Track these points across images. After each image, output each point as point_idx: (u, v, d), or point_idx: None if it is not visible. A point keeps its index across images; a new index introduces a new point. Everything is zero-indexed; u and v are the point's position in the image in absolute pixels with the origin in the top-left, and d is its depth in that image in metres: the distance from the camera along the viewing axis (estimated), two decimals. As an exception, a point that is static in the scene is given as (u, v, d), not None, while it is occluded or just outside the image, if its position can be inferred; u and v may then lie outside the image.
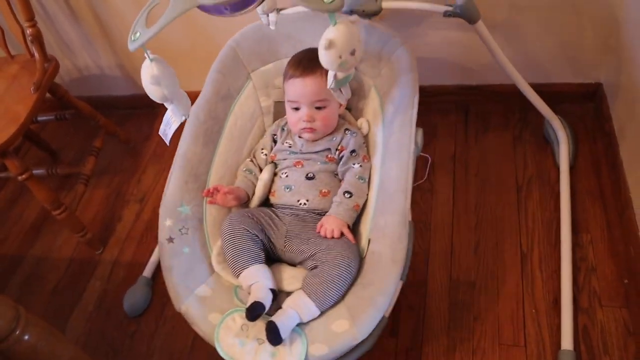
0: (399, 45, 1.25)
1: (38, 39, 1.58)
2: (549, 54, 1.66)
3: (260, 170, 1.30)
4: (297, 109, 1.26)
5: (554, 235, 1.46)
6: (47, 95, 1.67)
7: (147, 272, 1.62)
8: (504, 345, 1.30)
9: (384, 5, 1.42)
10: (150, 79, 0.95)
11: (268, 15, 1.26)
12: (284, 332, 0.98)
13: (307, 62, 1.24)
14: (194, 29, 1.79)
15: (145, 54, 0.94)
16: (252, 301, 1.02)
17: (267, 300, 1.03)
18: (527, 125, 1.74)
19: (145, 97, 2.19)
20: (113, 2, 1.80)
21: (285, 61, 1.32)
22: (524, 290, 1.38)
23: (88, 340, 1.53)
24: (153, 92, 0.98)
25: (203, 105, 1.30)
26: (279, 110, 1.40)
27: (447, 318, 1.37)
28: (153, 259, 1.65)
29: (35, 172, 1.61)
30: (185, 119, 1.07)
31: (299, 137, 1.29)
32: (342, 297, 1.05)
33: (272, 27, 1.25)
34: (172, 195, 1.19)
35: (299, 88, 1.23)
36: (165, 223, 1.16)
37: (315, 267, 1.08)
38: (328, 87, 0.98)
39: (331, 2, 0.79)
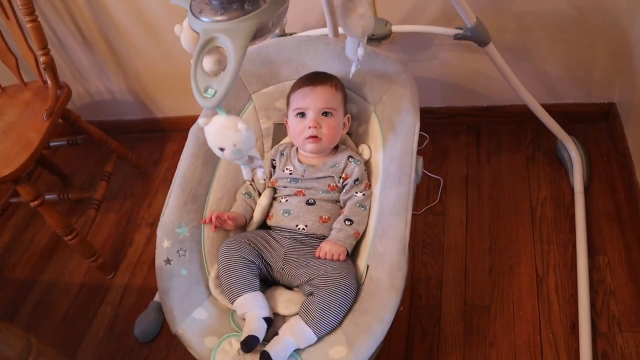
0: (401, 72, 1.25)
1: (51, 66, 1.60)
2: (560, 75, 1.65)
3: (259, 194, 1.30)
4: (302, 115, 1.24)
5: (570, 257, 1.44)
6: (60, 120, 1.68)
7: (159, 297, 1.61)
8: (522, 371, 1.27)
9: (394, 29, 1.43)
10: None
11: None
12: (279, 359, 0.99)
13: (318, 74, 1.26)
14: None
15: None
16: (246, 335, 1.01)
17: (260, 331, 1.02)
18: (540, 146, 1.72)
19: (155, 122, 2.20)
20: (124, 28, 1.83)
21: (287, 84, 1.32)
22: (541, 314, 1.35)
23: (99, 367, 1.52)
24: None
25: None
26: (278, 134, 1.40)
27: (462, 343, 1.34)
28: (164, 283, 1.64)
29: (47, 197, 1.62)
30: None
31: (299, 161, 1.28)
32: (340, 322, 1.05)
33: None
34: (171, 216, 1.18)
35: (308, 94, 1.23)
36: (163, 244, 1.15)
37: (312, 293, 1.08)
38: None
39: (209, 96, 0.78)
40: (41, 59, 1.59)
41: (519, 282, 1.42)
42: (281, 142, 1.38)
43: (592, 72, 1.63)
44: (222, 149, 0.86)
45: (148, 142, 2.16)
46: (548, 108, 1.54)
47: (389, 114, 1.25)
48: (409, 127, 1.18)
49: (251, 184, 1.31)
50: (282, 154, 1.32)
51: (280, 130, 1.39)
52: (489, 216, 1.58)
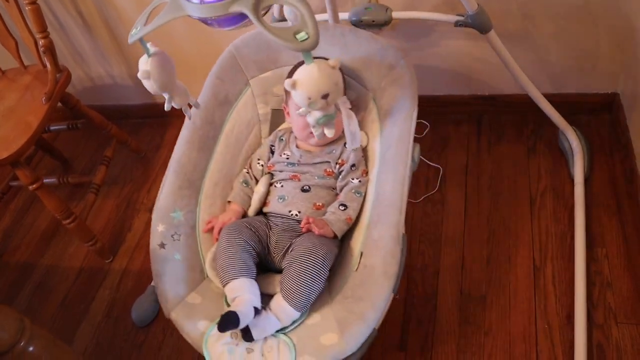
0: (400, 58, 1.24)
1: (50, 50, 1.59)
2: (563, 64, 1.63)
3: (257, 181, 1.30)
4: None
5: (568, 249, 1.43)
6: (59, 104, 1.68)
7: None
8: (516, 362, 1.27)
9: (395, 15, 1.41)
10: (141, 73, 0.98)
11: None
12: (258, 333, 1.01)
13: None
14: (200, 33, 1.79)
15: (145, 48, 0.98)
16: (227, 310, 1.00)
17: (245, 314, 1.01)
18: (541, 136, 1.71)
19: (156, 107, 2.19)
20: (125, 13, 1.82)
21: (285, 69, 1.32)
22: (537, 305, 1.35)
23: (95, 350, 1.53)
24: (145, 85, 1.01)
25: (200, 111, 1.28)
26: (275, 119, 1.40)
27: (457, 333, 1.34)
28: (162, 269, 1.64)
29: (46, 181, 1.62)
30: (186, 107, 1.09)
31: (297, 146, 1.29)
32: (331, 301, 1.06)
33: None
34: (165, 200, 1.19)
35: None
36: (158, 228, 1.16)
37: (289, 265, 1.09)
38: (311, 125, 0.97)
39: (304, 40, 0.77)
40: (40, 42, 1.59)
41: (516, 272, 1.42)
42: (280, 128, 1.38)
43: (596, 62, 1.61)
44: (325, 96, 0.86)
45: (149, 128, 2.16)
46: (550, 98, 1.53)
47: (387, 101, 1.24)
48: (407, 113, 1.18)
49: (248, 172, 1.31)
50: (281, 140, 1.32)
51: (278, 116, 1.39)
52: (487, 206, 1.57)
